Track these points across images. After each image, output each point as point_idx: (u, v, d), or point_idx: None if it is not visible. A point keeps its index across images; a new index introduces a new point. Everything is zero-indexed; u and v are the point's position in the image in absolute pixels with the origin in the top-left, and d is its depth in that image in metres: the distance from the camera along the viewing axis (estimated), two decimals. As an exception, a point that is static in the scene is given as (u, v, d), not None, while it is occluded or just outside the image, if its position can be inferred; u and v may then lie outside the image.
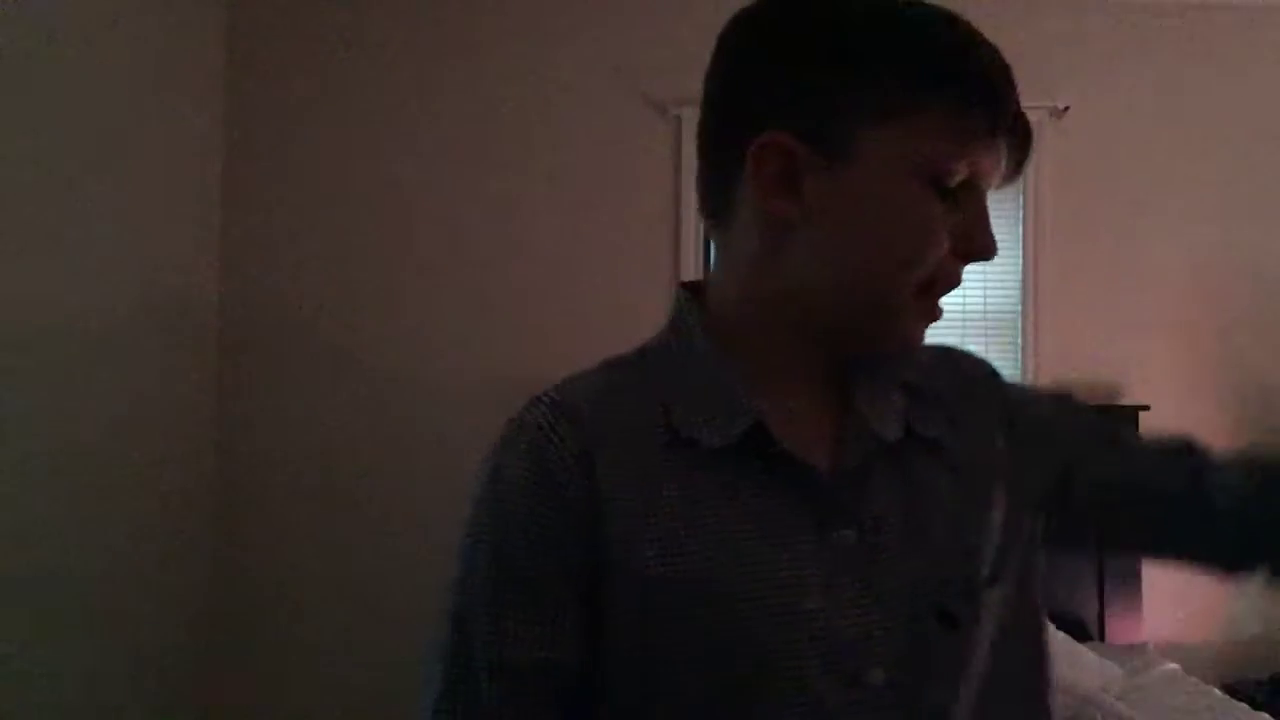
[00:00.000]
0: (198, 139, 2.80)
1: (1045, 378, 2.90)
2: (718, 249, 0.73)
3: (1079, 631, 2.69)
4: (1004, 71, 0.66)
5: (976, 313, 2.95)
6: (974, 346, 3.27)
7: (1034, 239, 2.93)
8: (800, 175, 0.65)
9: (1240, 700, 2.28)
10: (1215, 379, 2.94)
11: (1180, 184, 2.96)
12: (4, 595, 1.99)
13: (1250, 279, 2.95)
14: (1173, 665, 2.47)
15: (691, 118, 2.92)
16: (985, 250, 0.67)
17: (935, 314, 0.69)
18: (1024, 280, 2.94)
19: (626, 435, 0.67)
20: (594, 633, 0.66)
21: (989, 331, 2.95)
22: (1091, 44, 2.97)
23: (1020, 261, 2.94)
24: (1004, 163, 0.67)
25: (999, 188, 0.68)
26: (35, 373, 2.09)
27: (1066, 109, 2.91)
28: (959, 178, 0.64)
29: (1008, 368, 2.94)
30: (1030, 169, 2.92)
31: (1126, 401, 2.89)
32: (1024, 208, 2.96)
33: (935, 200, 0.64)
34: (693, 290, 0.75)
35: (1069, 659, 2.32)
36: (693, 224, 2.92)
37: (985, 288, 2.95)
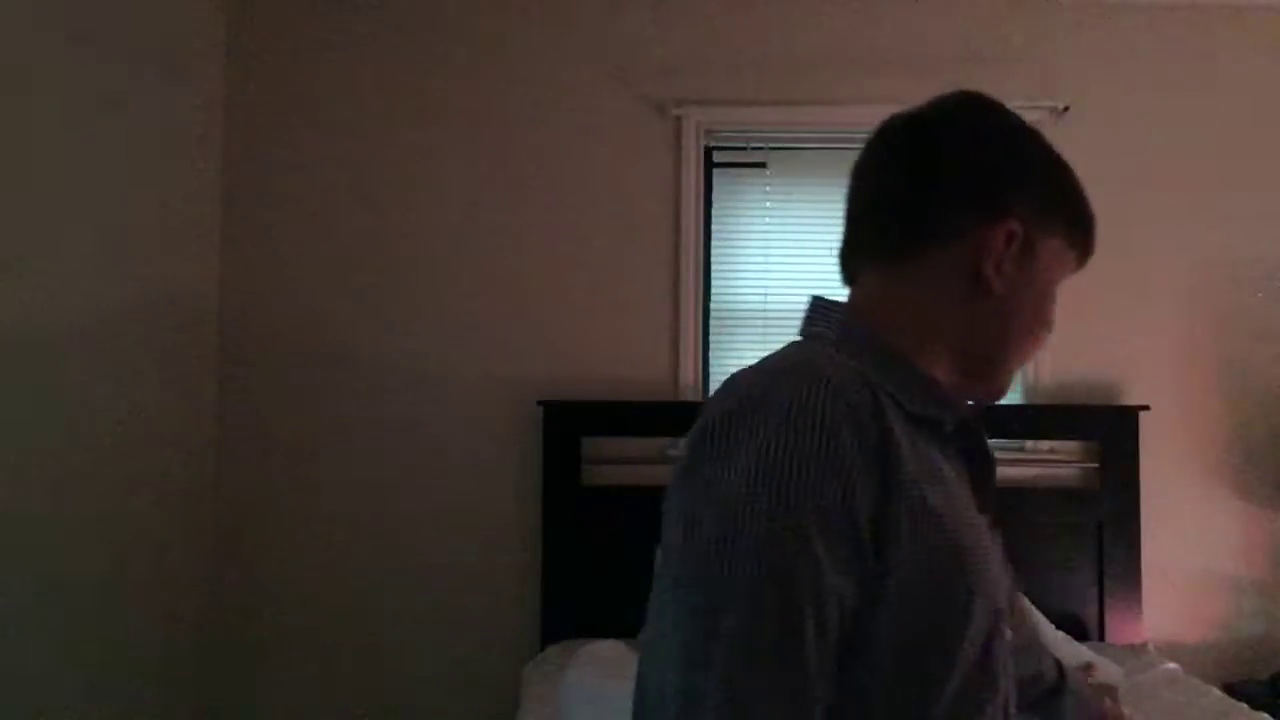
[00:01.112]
0: (198, 139, 2.80)
1: (1045, 378, 2.90)
2: (880, 282, 0.86)
3: (1079, 631, 2.69)
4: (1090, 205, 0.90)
5: (976, 313, 2.94)
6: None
7: (1034, 239, 2.93)
8: (1013, 258, 0.83)
9: (1240, 700, 2.28)
10: (1215, 379, 2.94)
11: (1180, 184, 2.96)
12: (4, 595, 1.99)
13: (1250, 279, 2.95)
14: (1173, 665, 2.47)
15: (691, 118, 2.92)
16: (1049, 328, 0.89)
17: (1013, 377, 0.92)
18: (1024, 280, 2.93)
19: (887, 407, 0.75)
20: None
21: (989, 331, 2.94)
22: (1091, 44, 2.97)
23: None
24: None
25: None
26: (35, 373, 2.09)
27: (1066, 109, 2.91)
28: (1062, 276, 0.88)
29: (1008, 368, 2.94)
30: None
31: (1126, 401, 2.89)
32: (1024, 208, 2.95)
33: (1053, 294, 0.88)
34: (836, 306, 0.87)
35: (1069, 659, 2.32)
36: (692, 224, 2.92)
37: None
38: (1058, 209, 0.85)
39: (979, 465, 0.88)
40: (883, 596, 0.70)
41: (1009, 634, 0.81)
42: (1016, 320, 0.85)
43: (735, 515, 0.67)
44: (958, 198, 0.83)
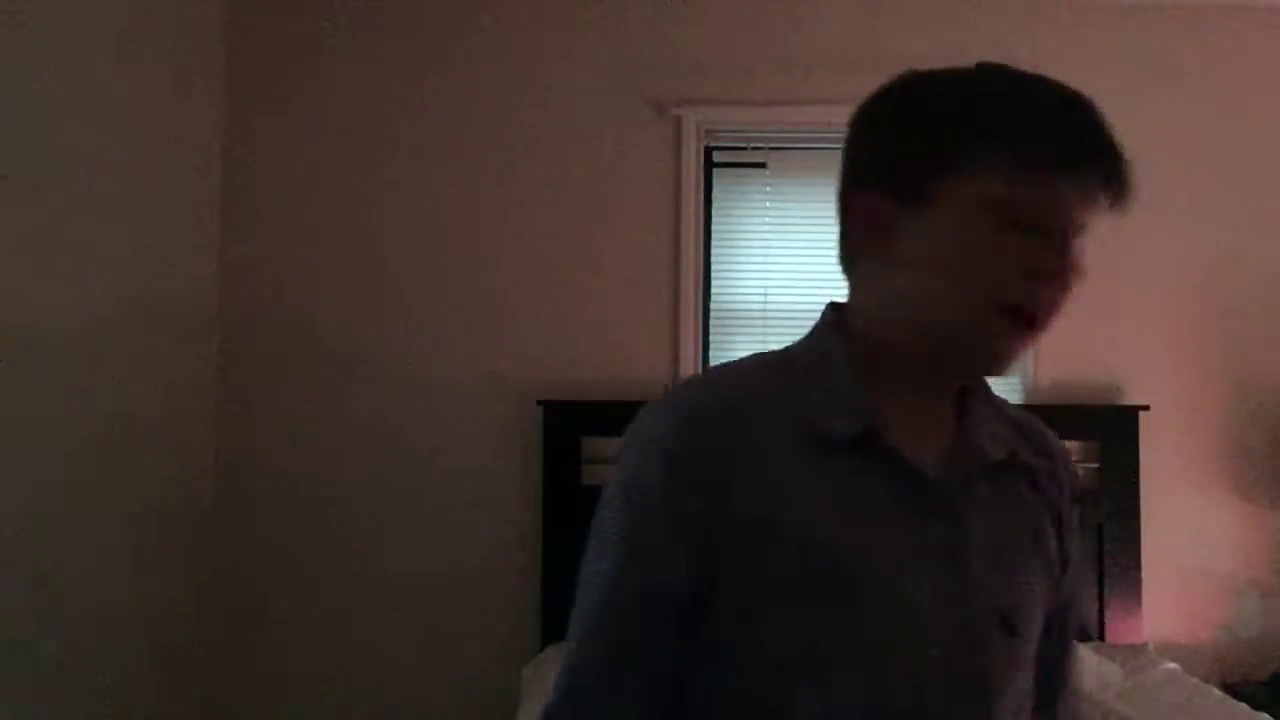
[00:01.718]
0: (198, 140, 2.80)
1: (1045, 378, 2.90)
2: (853, 284, 0.86)
3: (1079, 632, 2.69)
4: (1067, 113, 0.75)
5: (976, 313, 2.94)
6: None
7: (1034, 239, 2.93)
8: (889, 226, 0.78)
9: (1240, 700, 2.28)
10: (1215, 379, 2.94)
11: (1180, 184, 2.96)
12: (4, 593, 1.99)
13: (1250, 279, 2.95)
14: (1173, 665, 2.47)
15: (691, 118, 2.92)
16: (1052, 273, 0.74)
17: (1025, 335, 0.77)
18: (1024, 280, 2.93)
19: (768, 425, 0.77)
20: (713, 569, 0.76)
21: (989, 331, 2.94)
22: (1091, 45, 2.96)
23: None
24: (1091, 196, 0.75)
25: (1098, 218, 0.76)
26: (35, 372, 2.09)
27: (1066, 109, 2.90)
28: (1029, 212, 0.74)
29: (1008, 368, 2.94)
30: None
31: (1126, 401, 2.89)
32: (1024, 208, 2.95)
33: (1003, 234, 0.74)
34: (836, 309, 0.86)
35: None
36: (692, 224, 2.92)
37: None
38: (958, 146, 0.75)
39: (910, 485, 0.77)
40: (727, 604, 0.75)
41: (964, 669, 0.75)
42: (938, 280, 0.77)
43: (600, 521, 0.80)
44: (845, 181, 0.84)
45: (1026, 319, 0.75)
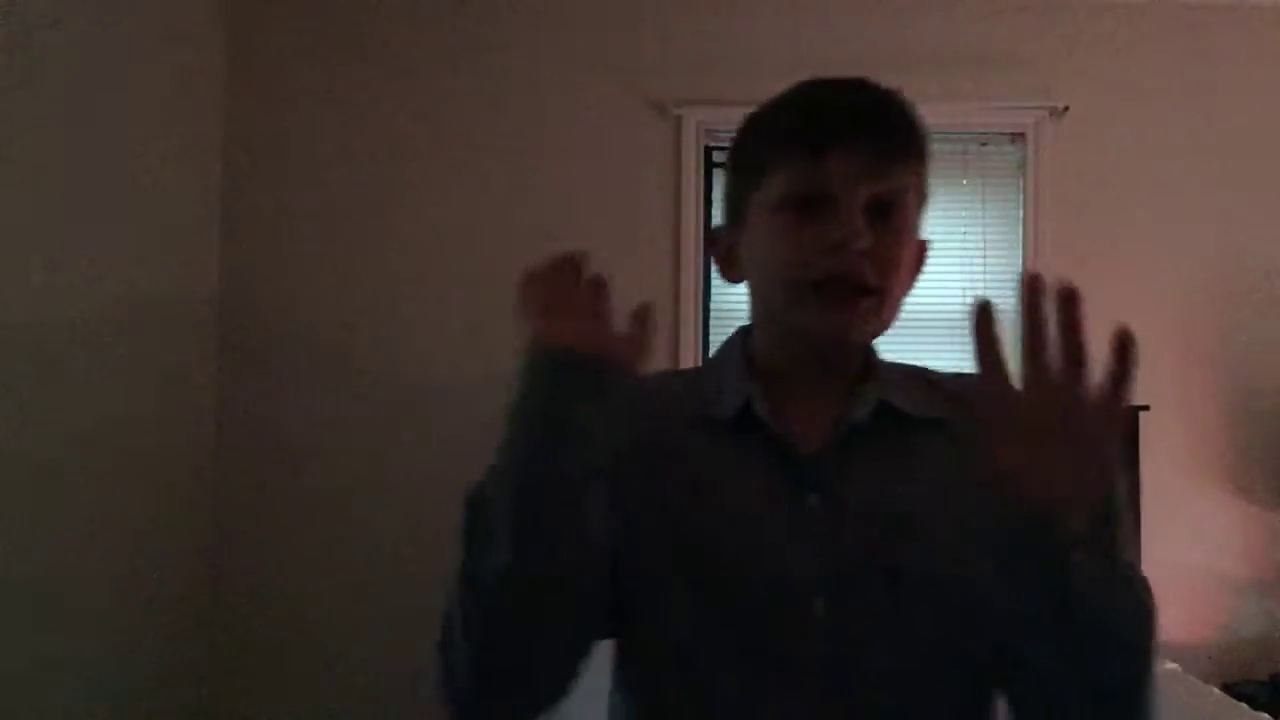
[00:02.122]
0: (198, 138, 2.80)
1: (1045, 378, 2.90)
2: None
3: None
4: (820, 107, 0.84)
5: (976, 313, 2.94)
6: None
7: (1034, 239, 2.93)
8: (733, 253, 0.92)
9: (1240, 700, 2.28)
10: (1215, 379, 2.94)
11: (1180, 184, 2.96)
12: (4, 594, 1.99)
13: (1250, 279, 2.95)
14: (1173, 665, 2.47)
15: (691, 118, 2.92)
16: (835, 241, 0.80)
17: (854, 302, 0.82)
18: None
19: (669, 411, 0.90)
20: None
21: (989, 331, 2.94)
22: (1091, 44, 2.96)
23: (1020, 261, 2.94)
24: (858, 167, 0.81)
25: (872, 188, 0.82)
26: (35, 372, 2.09)
27: (1066, 109, 2.90)
28: (807, 195, 0.82)
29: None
30: (1030, 169, 2.93)
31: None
32: (1024, 208, 2.96)
33: (794, 222, 0.82)
34: (745, 330, 0.97)
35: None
36: (693, 224, 2.92)
37: (985, 288, 2.95)
38: (749, 162, 0.88)
39: (784, 458, 0.84)
40: (623, 564, 0.84)
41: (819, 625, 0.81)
42: (756, 279, 0.90)
43: None
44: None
45: (850, 288, 0.81)
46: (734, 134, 0.92)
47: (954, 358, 2.93)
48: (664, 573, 0.83)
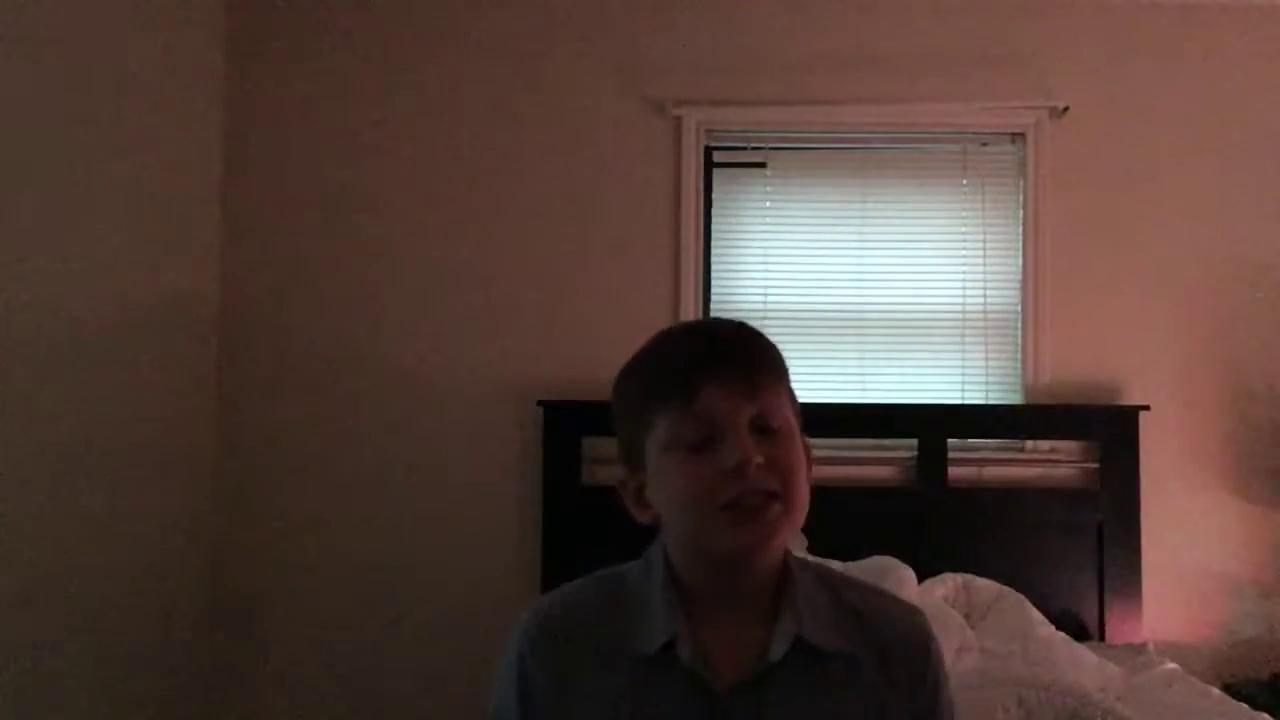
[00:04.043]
0: (198, 139, 2.80)
1: (1045, 377, 2.90)
2: None
3: (1079, 631, 2.69)
4: (683, 355, 0.93)
5: (976, 313, 2.94)
6: (974, 347, 3.22)
7: (1034, 239, 2.93)
8: (640, 493, 0.96)
9: (1240, 700, 2.28)
10: (1215, 379, 2.94)
11: (1180, 184, 2.96)
12: (3, 594, 1.99)
13: (1250, 279, 2.95)
14: (1173, 665, 2.47)
15: (691, 118, 2.93)
16: (732, 467, 0.87)
17: (762, 519, 0.87)
18: (1024, 280, 2.93)
19: (585, 643, 0.93)
20: None
21: (989, 331, 2.94)
22: (1091, 44, 2.96)
23: (1020, 261, 2.94)
24: (726, 398, 0.89)
25: (750, 411, 0.89)
26: (35, 372, 2.09)
27: (1066, 109, 2.91)
28: (693, 432, 0.89)
29: (1008, 368, 2.94)
30: (1030, 169, 2.93)
31: (1126, 401, 2.89)
32: (1024, 208, 2.96)
33: (690, 457, 0.89)
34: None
35: (1069, 659, 2.32)
36: (693, 224, 2.92)
37: (985, 288, 2.95)
38: (633, 413, 0.95)
39: (703, 696, 0.88)
40: None
41: None
42: (668, 514, 0.94)
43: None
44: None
45: (757, 501, 0.87)
46: (616, 383, 1.00)
47: (953, 357, 2.93)
48: None
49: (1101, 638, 2.77)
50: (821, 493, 0.96)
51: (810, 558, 1.06)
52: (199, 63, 2.81)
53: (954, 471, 2.84)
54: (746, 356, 0.93)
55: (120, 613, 2.38)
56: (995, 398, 2.94)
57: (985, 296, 2.95)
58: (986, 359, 2.94)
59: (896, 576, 2.42)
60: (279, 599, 2.85)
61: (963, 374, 2.94)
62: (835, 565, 1.97)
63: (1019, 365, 2.92)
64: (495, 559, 2.85)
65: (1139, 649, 2.62)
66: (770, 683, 0.89)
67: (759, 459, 0.87)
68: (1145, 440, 2.85)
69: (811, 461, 0.95)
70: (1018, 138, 2.96)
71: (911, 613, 0.99)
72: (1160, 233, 2.95)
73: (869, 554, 2.51)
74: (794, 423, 0.94)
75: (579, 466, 2.79)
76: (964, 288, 2.95)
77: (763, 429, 0.90)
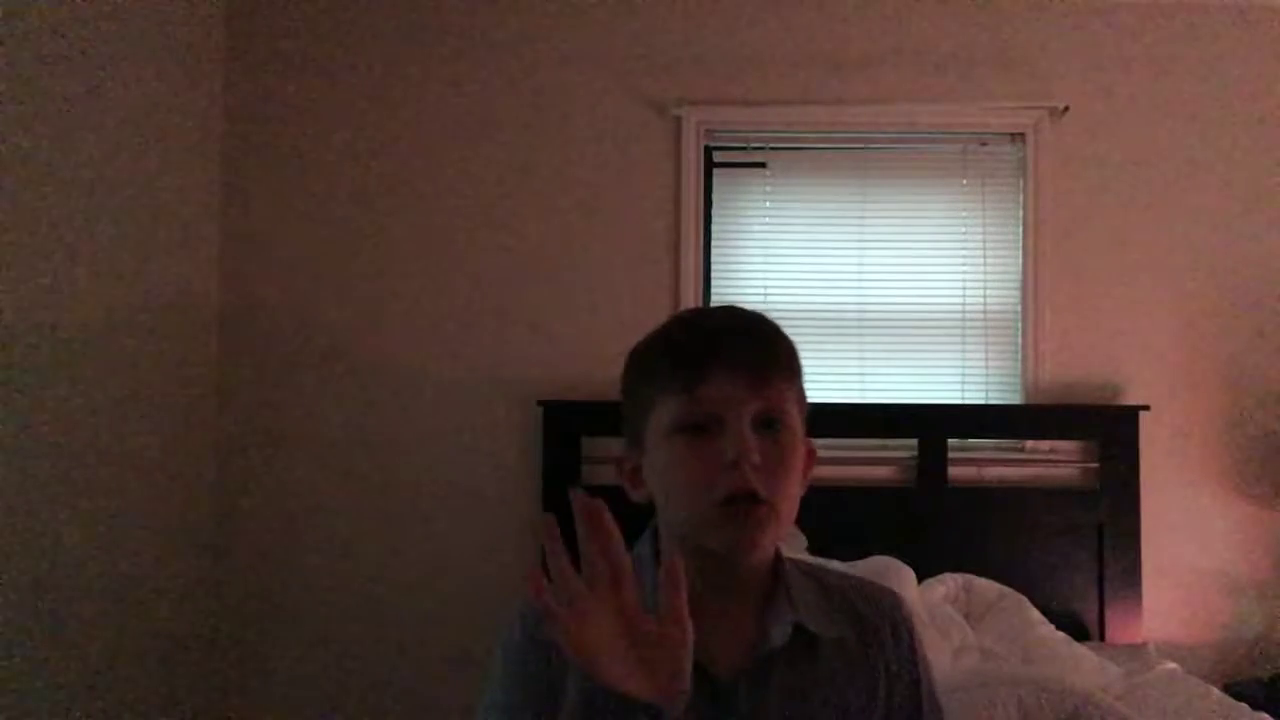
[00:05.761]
0: (198, 138, 2.80)
1: (1045, 377, 2.90)
2: None
3: (1079, 631, 2.69)
4: (696, 339, 0.92)
5: (976, 313, 2.94)
6: (974, 347, 3.22)
7: (1034, 239, 2.93)
8: (637, 474, 0.96)
9: (1240, 700, 2.28)
10: (1215, 379, 2.94)
11: (1180, 184, 2.96)
12: (4, 594, 1.99)
13: (1250, 279, 2.95)
14: (1173, 665, 2.47)
15: (691, 118, 2.93)
16: (730, 458, 0.86)
17: (752, 517, 0.87)
18: (1024, 280, 2.93)
19: None
20: None
21: (989, 331, 2.94)
22: (1091, 44, 2.96)
23: (1020, 261, 2.94)
24: (735, 389, 0.88)
25: (755, 406, 0.89)
26: (35, 372, 2.09)
27: (1066, 109, 2.91)
28: (696, 420, 0.89)
29: (1008, 368, 2.94)
30: (1030, 169, 2.93)
31: (1126, 402, 2.89)
32: (1024, 207, 2.96)
33: (689, 443, 0.89)
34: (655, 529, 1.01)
35: (1069, 659, 2.32)
36: (693, 224, 2.92)
37: (985, 288, 2.95)
38: (640, 393, 0.95)
39: (703, 685, 0.88)
40: None
41: None
42: (664, 498, 0.93)
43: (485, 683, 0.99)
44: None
45: (743, 503, 0.86)
46: (626, 364, 1.00)
47: (953, 357, 2.93)
48: None
49: (1101, 638, 2.77)
50: (821, 493, 0.96)
51: (808, 557, 1.07)
52: (199, 63, 2.81)
53: (954, 471, 2.84)
54: (760, 349, 0.92)
55: (120, 613, 2.38)
56: (995, 398, 2.94)
57: (985, 296, 2.95)
58: (986, 359, 2.95)
59: (897, 576, 2.41)
60: (279, 599, 2.85)
61: (963, 374, 2.94)
62: (836, 565, 1.97)
63: (1019, 365, 2.92)
64: (495, 559, 2.85)
65: (1139, 649, 2.62)
66: (770, 669, 0.90)
67: (756, 457, 0.86)
68: (1145, 440, 2.85)
69: (813, 462, 0.95)
70: (1018, 138, 2.96)
71: (887, 592, 1.02)
72: (1160, 232, 2.95)
73: (869, 554, 2.51)
74: (799, 422, 0.93)
75: (579, 466, 2.79)
76: (964, 288, 2.95)
77: (766, 424, 0.89)
